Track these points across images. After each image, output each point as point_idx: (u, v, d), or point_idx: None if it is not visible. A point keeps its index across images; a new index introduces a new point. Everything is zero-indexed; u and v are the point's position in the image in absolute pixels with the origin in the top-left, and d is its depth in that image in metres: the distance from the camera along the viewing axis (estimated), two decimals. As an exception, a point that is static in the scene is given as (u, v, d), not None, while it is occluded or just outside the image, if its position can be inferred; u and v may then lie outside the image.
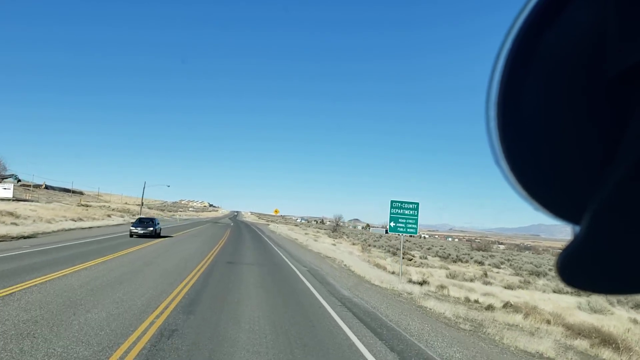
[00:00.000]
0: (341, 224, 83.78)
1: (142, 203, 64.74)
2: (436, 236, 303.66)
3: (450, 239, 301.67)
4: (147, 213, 74.19)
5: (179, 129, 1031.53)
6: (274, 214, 54.44)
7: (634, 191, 0.44)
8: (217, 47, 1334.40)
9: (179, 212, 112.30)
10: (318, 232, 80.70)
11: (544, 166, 0.50)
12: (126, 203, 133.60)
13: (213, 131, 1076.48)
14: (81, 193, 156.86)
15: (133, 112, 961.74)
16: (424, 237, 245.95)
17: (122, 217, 47.58)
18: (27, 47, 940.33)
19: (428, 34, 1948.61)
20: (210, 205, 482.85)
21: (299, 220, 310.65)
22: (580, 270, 0.50)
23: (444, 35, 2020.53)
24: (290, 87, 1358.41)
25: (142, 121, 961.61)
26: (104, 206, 69.94)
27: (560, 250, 0.50)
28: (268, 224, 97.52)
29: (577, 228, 0.49)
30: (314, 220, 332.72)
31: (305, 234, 59.05)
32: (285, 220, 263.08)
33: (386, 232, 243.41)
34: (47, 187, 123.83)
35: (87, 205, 65.62)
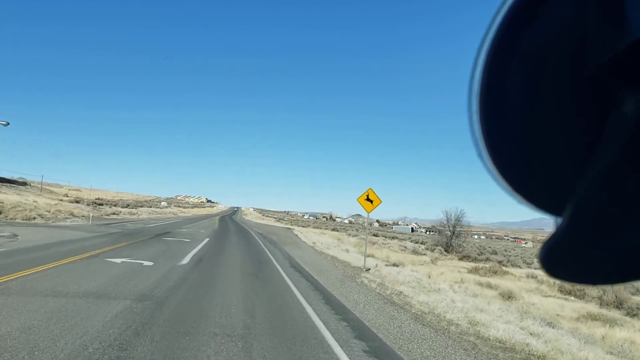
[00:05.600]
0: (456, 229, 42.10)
1: None
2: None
3: (476, 236, 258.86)
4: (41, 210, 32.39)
5: (177, 127, 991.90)
6: (364, 209, 9.92)
7: (615, 183, 0.44)
8: (214, 46, 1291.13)
9: (139, 209, 70.55)
10: (412, 245, 38.87)
11: (526, 159, 0.50)
12: (66, 195, 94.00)
13: (212, 129, 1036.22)
14: (25, 183, 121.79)
15: (132, 111, 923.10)
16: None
17: None
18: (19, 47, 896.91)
19: (411, 30, 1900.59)
20: (208, 201, 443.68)
21: (307, 217, 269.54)
22: (562, 261, 0.50)
23: (427, 32, 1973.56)
24: (292, 86, 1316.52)
25: (140, 119, 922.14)
26: None
27: (543, 242, 0.50)
28: (289, 228, 55.57)
29: (559, 220, 0.49)
30: (323, 217, 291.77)
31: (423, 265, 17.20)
32: (291, 216, 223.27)
33: (412, 230, 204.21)
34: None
35: None
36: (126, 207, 69.79)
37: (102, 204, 60.15)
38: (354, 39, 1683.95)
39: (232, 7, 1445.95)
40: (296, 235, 40.03)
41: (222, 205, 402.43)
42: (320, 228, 70.66)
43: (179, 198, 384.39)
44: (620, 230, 0.45)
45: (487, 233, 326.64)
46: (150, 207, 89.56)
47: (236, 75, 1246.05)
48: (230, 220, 75.01)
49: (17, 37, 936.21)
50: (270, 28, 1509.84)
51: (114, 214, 52.25)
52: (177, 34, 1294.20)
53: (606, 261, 0.47)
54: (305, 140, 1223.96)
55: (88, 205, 54.87)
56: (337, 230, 62.75)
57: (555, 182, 0.49)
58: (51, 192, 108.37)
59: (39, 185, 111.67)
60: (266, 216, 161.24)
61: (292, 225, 75.94)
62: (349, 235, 48.63)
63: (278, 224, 75.79)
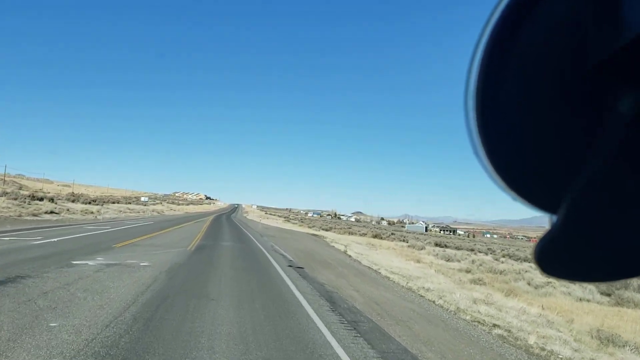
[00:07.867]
0: None
1: None
2: (457, 230, 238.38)
3: (488, 235, 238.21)
4: None
5: (178, 125, 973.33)
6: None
7: (612, 181, 0.44)
8: (208, 42, 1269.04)
9: (110, 206, 52.61)
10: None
11: (523, 157, 0.50)
12: (23, 188, 76.82)
13: (212, 127, 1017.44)
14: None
15: (133, 109, 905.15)
16: (463, 235, 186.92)
17: None
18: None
19: (407, 25, 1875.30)
20: (207, 198, 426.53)
21: (311, 215, 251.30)
22: (557, 259, 0.49)
23: (423, 27, 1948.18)
24: (292, 84, 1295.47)
25: (140, 117, 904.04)
26: None
27: (538, 240, 0.49)
28: (316, 234, 37.16)
29: (554, 217, 0.48)
30: (327, 215, 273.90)
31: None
32: (294, 214, 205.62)
33: (425, 230, 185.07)
34: None
35: None
36: (89, 203, 52.22)
37: (41, 199, 42.03)
38: (359, 35, 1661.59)
39: (230, 4, 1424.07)
40: (346, 254, 21.77)
41: (222, 202, 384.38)
42: (355, 233, 51.81)
43: (177, 195, 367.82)
44: (617, 229, 0.45)
45: (492, 231, 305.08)
46: (129, 203, 71.71)
47: (237, 74, 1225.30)
48: (227, 221, 55.26)
49: (14, 31, 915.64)
50: (270, 25, 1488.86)
51: (51, 212, 34.63)
52: (174, 30, 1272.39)
53: (603, 260, 0.47)
54: (305, 139, 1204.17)
55: (15, 199, 37.47)
56: (381, 237, 44.23)
57: (552, 180, 0.49)
58: (21, 185, 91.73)
59: (2, 178, 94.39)
60: (270, 214, 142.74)
61: (310, 227, 57.41)
62: (418, 249, 30.65)
63: (290, 226, 57.57)
